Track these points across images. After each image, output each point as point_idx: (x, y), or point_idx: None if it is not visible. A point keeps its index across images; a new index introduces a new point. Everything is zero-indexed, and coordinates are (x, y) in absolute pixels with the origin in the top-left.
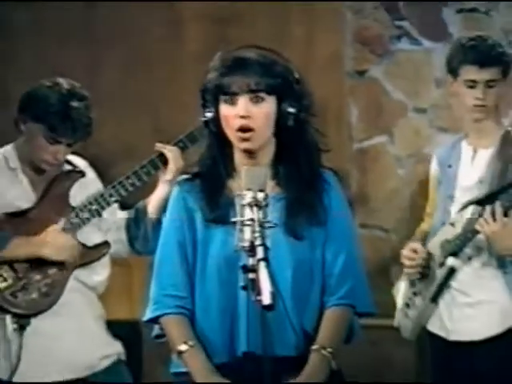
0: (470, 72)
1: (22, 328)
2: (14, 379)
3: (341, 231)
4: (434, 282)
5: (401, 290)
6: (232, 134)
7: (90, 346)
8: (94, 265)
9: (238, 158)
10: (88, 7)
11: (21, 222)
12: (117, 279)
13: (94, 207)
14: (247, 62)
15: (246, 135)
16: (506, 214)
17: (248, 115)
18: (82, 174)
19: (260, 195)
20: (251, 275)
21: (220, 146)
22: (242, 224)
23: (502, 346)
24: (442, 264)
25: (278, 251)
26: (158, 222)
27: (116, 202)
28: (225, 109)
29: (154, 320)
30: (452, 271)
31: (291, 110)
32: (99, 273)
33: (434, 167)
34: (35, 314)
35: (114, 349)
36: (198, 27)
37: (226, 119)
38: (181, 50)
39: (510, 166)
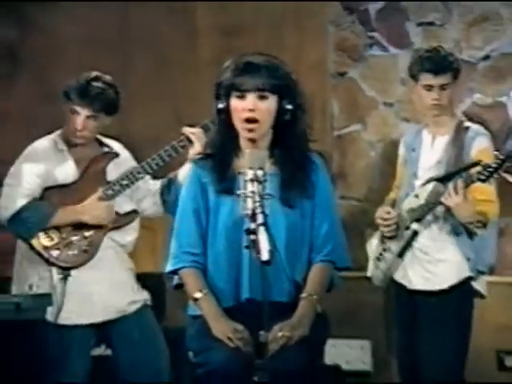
0: (426, 78)
1: (65, 278)
2: (59, 321)
3: (325, 202)
4: (400, 242)
5: (373, 247)
6: (239, 125)
7: (121, 293)
8: (126, 227)
9: (242, 141)
10: (122, 18)
11: (66, 193)
12: (144, 239)
13: (124, 182)
14: (256, 65)
15: (252, 126)
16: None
17: (255, 109)
18: (116, 155)
19: (260, 172)
20: (253, 237)
21: (228, 131)
22: (245, 196)
23: (454, 295)
24: (407, 227)
25: (274, 218)
26: None
27: (142, 178)
28: (235, 102)
29: (174, 272)
30: (415, 234)
31: (289, 107)
32: (129, 234)
33: (401, 150)
34: (76, 267)
35: (142, 296)
36: (210, 37)
37: (236, 111)
38: (196, 55)
39: (463, 150)
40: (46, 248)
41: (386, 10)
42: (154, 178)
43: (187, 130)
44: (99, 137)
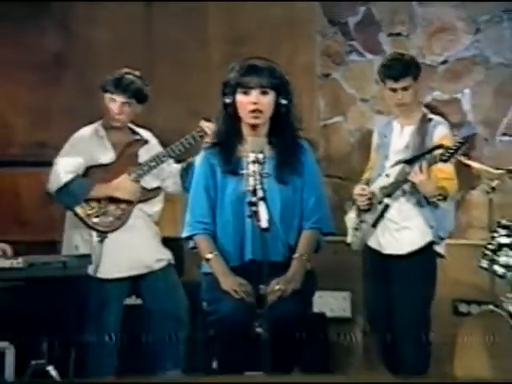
0: (390, 83)
1: (102, 240)
2: (97, 276)
3: (312, 180)
4: (374, 214)
5: (351, 219)
6: (245, 115)
7: (149, 253)
8: (152, 200)
9: (245, 130)
10: (146, 24)
11: (105, 171)
12: (167, 210)
13: (152, 164)
14: (259, 67)
15: (256, 114)
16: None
17: (258, 102)
18: (145, 141)
19: (260, 156)
20: (254, 208)
21: (233, 122)
22: (248, 175)
23: (419, 257)
24: (380, 202)
25: (271, 192)
26: None
27: (166, 161)
28: (241, 97)
29: (190, 237)
30: (387, 207)
31: (284, 101)
32: (155, 206)
33: (375, 137)
34: (111, 231)
35: (166, 255)
36: (219, 44)
37: (242, 104)
38: (208, 59)
39: (426, 137)
40: (87, 215)
41: (363, 23)
42: (177, 161)
43: (204, 124)
44: (132, 126)
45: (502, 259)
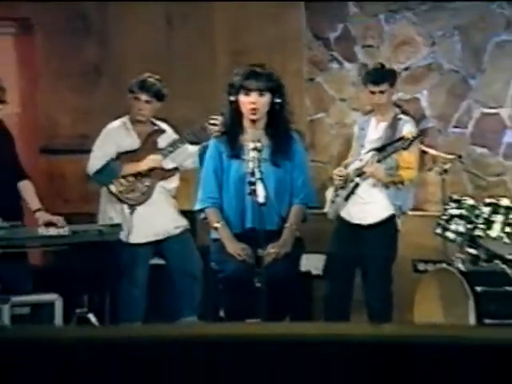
0: (371, 87)
1: (132, 212)
2: (128, 241)
3: (301, 163)
4: (347, 190)
5: (329, 194)
6: (246, 111)
7: (169, 221)
8: (170, 179)
9: (246, 123)
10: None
11: (132, 156)
12: (182, 187)
13: (169, 149)
14: (258, 73)
15: (254, 111)
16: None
17: (256, 102)
18: (163, 131)
19: (258, 144)
20: (253, 187)
21: (236, 116)
22: (248, 159)
23: (381, 228)
24: (352, 181)
25: (267, 174)
26: None
27: (181, 147)
28: (243, 98)
29: (201, 210)
30: (357, 185)
31: (278, 100)
32: (173, 183)
33: (355, 129)
34: (139, 204)
35: (183, 223)
36: (226, 54)
37: (244, 103)
38: (216, 66)
39: (396, 132)
40: (119, 192)
41: (341, 38)
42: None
43: (212, 118)
44: (153, 119)
45: (453, 227)
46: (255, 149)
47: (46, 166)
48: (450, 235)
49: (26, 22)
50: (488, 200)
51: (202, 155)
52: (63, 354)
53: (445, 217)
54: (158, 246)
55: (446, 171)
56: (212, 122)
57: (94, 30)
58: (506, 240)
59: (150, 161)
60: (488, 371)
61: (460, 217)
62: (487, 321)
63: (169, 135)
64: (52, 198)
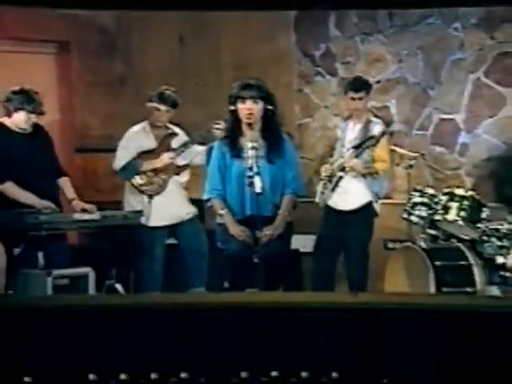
0: (351, 94)
1: (150, 201)
2: (148, 224)
3: (291, 160)
4: (333, 183)
5: (320, 186)
6: (243, 117)
7: (180, 207)
8: (182, 173)
9: (244, 127)
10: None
11: (150, 155)
12: (192, 180)
13: (181, 149)
14: (250, 84)
15: (249, 117)
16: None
17: (251, 108)
18: (177, 134)
19: (256, 144)
20: (251, 180)
21: (236, 121)
22: (247, 157)
23: (361, 213)
24: (335, 175)
25: (263, 169)
26: None
27: (191, 147)
28: (240, 105)
29: (208, 200)
30: (340, 178)
31: (270, 107)
32: (184, 177)
33: (338, 133)
34: (156, 194)
35: (193, 210)
36: (230, 68)
37: (241, 110)
38: (222, 78)
39: (368, 132)
40: (140, 184)
41: (325, 55)
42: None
43: (217, 122)
44: (168, 124)
45: (416, 212)
46: (253, 148)
47: (80, 163)
48: (414, 219)
49: (64, 43)
50: (446, 190)
51: (208, 154)
52: (96, 317)
53: (410, 204)
54: (172, 229)
55: (411, 166)
56: (217, 126)
57: (120, 48)
58: (461, 223)
59: (165, 159)
60: (445, 331)
61: (422, 204)
62: (445, 289)
63: (181, 137)
64: (85, 189)
